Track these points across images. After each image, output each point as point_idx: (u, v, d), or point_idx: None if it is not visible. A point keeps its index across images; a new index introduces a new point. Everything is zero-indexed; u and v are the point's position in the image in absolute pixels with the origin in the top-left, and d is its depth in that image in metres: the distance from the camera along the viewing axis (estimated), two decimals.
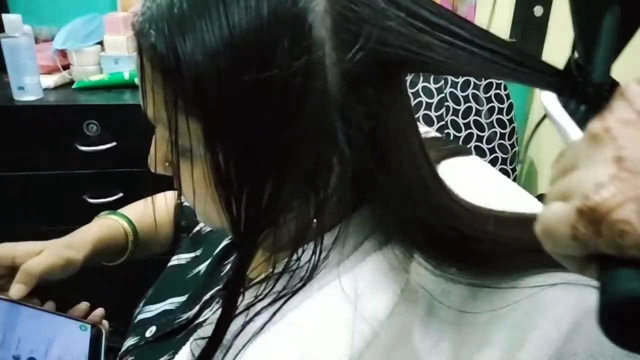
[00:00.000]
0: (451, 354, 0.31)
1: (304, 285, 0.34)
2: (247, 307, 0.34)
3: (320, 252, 0.34)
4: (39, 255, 0.49)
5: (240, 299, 0.35)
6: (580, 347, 0.26)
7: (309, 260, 0.34)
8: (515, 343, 0.28)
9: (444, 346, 0.32)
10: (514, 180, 1.30)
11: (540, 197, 1.38)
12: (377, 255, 0.35)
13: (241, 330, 0.33)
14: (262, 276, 0.36)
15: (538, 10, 1.28)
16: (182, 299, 0.47)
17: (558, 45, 1.30)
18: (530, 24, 1.29)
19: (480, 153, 1.27)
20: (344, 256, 0.35)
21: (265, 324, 0.33)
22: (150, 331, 0.46)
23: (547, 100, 0.27)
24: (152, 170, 0.36)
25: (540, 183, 1.40)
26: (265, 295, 0.34)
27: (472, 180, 0.39)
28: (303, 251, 0.34)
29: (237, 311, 0.34)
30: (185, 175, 0.32)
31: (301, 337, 0.32)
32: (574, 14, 0.27)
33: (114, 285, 0.79)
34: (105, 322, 0.52)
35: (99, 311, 0.53)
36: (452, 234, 0.32)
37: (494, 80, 1.25)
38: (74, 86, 1.11)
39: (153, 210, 0.63)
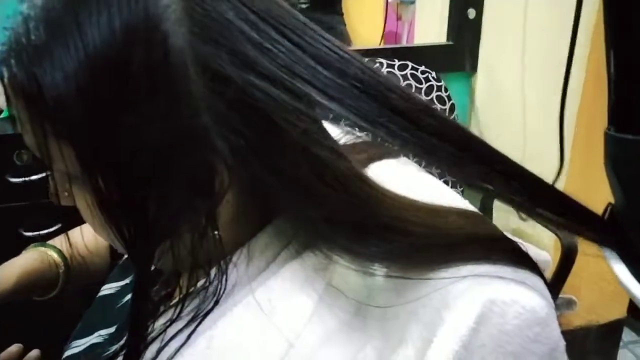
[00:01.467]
0: (375, 357, 0.30)
1: (216, 303, 0.33)
2: (161, 332, 0.32)
3: (227, 269, 0.33)
4: None
5: (156, 323, 0.34)
6: (487, 338, 0.27)
7: (220, 277, 0.33)
8: (426, 340, 0.28)
9: (369, 349, 0.31)
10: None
11: None
12: (293, 264, 0.34)
13: (156, 357, 0.32)
14: (177, 299, 0.35)
15: (471, 13, 1.32)
16: (111, 330, 0.45)
17: (493, 45, 1.34)
18: (464, 27, 1.33)
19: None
20: (260, 269, 0.34)
21: (179, 348, 0.32)
22: None
23: (618, 270, 0.29)
24: (54, 202, 0.35)
25: None
26: (178, 317, 0.32)
27: (399, 179, 0.39)
28: (218, 269, 0.33)
29: (151, 336, 0.33)
30: (77, 201, 0.32)
31: (214, 359, 0.31)
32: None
33: (49, 321, 0.75)
34: None
35: (34, 353, 0.51)
36: (372, 227, 0.31)
37: (434, 83, 1.28)
38: (1, 116, 1.06)
39: (88, 238, 0.61)
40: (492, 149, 0.30)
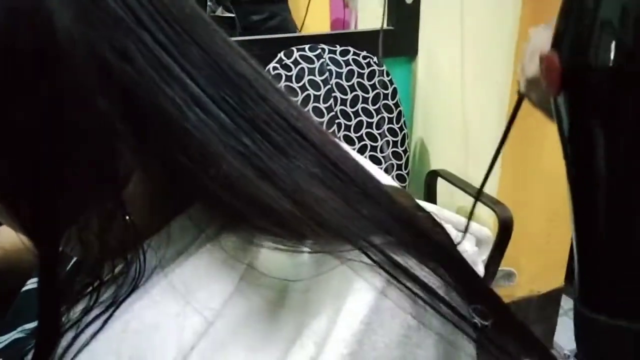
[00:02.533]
0: (291, 336, 0.31)
1: (134, 289, 0.32)
2: (78, 320, 0.32)
3: (143, 254, 0.33)
4: None
5: (73, 310, 0.33)
6: (394, 297, 0.28)
7: (136, 263, 0.32)
8: (336, 309, 0.29)
9: (286, 329, 0.31)
10: (407, 160, 1.36)
11: (432, 173, 1.43)
12: (210, 247, 0.34)
13: (72, 343, 0.31)
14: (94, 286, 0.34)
15: None
16: (34, 324, 0.44)
17: (432, 29, 1.37)
18: (403, 12, 1.35)
19: (372, 138, 1.31)
20: (177, 253, 0.34)
21: (95, 333, 0.31)
22: None
23: None
24: None
25: (432, 160, 1.47)
26: (94, 306, 0.32)
27: None
28: (135, 254, 0.33)
29: (69, 324, 0.32)
30: None
31: (130, 342, 0.31)
32: None
33: None
34: None
35: None
36: (292, 209, 0.31)
37: (376, 68, 1.30)
38: None
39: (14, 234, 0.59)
40: None
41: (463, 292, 0.32)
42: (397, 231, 0.32)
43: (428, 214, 0.38)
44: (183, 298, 0.32)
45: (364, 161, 0.51)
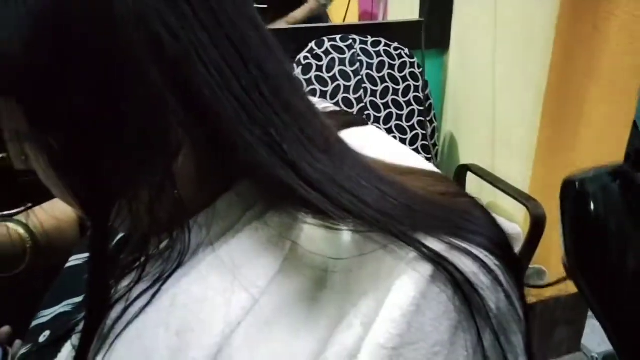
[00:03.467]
0: (335, 317, 0.31)
1: (180, 263, 0.33)
2: (126, 292, 0.33)
3: (189, 229, 0.33)
4: None
5: (121, 284, 0.34)
6: (441, 283, 0.28)
7: (183, 238, 0.33)
8: (384, 289, 0.29)
9: (328, 309, 0.31)
10: (436, 154, 1.35)
11: (462, 168, 1.41)
12: (257, 224, 0.34)
13: (121, 316, 0.32)
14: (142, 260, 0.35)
15: None
16: (79, 299, 0.45)
17: (465, 22, 1.35)
18: (436, 3, 1.34)
19: (402, 131, 1.30)
20: (225, 229, 0.34)
21: (144, 307, 0.32)
22: (44, 336, 0.43)
23: None
24: (16, 167, 0.35)
25: (462, 154, 1.45)
26: (141, 279, 0.33)
27: (368, 145, 0.40)
28: (180, 230, 0.34)
29: (117, 297, 0.33)
30: (34, 162, 0.32)
31: (177, 314, 0.32)
32: None
33: (13, 297, 0.74)
34: (17, 342, 0.50)
35: (5, 329, 0.51)
36: (346, 186, 0.31)
37: (407, 60, 1.29)
38: None
39: (57, 213, 0.60)
40: None
41: (513, 279, 0.31)
42: (441, 216, 0.31)
43: (472, 199, 0.37)
44: (230, 273, 0.32)
45: (403, 148, 0.50)
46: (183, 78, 0.28)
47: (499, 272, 0.30)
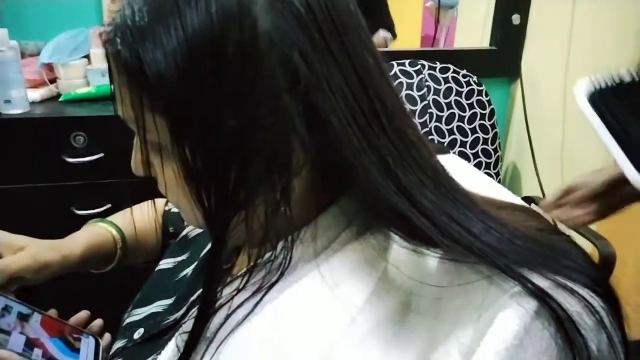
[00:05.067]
0: (426, 341, 0.32)
1: (281, 276, 0.35)
2: (229, 300, 0.35)
3: (293, 244, 0.35)
4: (17, 255, 0.51)
5: (223, 292, 0.36)
6: (545, 320, 0.28)
7: (286, 252, 0.35)
8: (486, 320, 0.30)
9: (418, 333, 0.32)
10: (499, 183, 1.33)
11: (526, 200, 1.39)
12: (355, 245, 0.36)
13: (225, 322, 0.34)
14: (244, 270, 0.37)
15: (516, 19, 1.32)
16: (170, 301, 0.48)
17: (537, 52, 1.33)
18: (508, 32, 1.33)
19: (465, 158, 1.29)
20: (323, 247, 0.36)
21: (247, 315, 0.34)
22: (139, 333, 0.46)
23: (582, 106, 0.30)
24: (136, 173, 0.38)
25: (525, 185, 1.42)
26: (245, 287, 0.35)
27: (457, 173, 0.41)
28: (285, 244, 0.36)
29: (219, 304, 0.35)
30: (160, 172, 0.35)
31: (281, 327, 0.33)
32: None
33: (102, 293, 0.79)
34: (107, 336, 0.53)
35: (99, 322, 0.54)
36: (439, 213, 0.32)
37: (475, 87, 1.28)
38: (61, 99, 1.12)
39: (142, 217, 0.64)
40: None
41: (617, 321, 0.31)
42: (542, 253, 0.32)
43: (568, 237, 0.37)
44: (331, 291, 0.34)
45: (490, 179, 0.51)
46: (312, 104, 0.30)
47: (603, 314, 0.30)
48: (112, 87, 0.34)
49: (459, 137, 1.28)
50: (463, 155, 1.29)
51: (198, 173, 0.31)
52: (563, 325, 0.29)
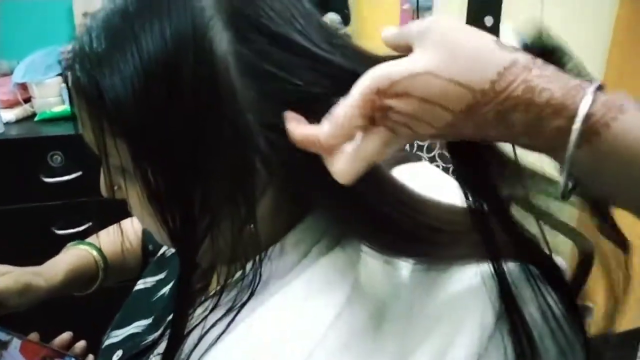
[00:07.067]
0: (399, 351, 0.33)
1: (252, 294, 0.35)
2: (201, 320, 0.35)
3: (262, 262, 0.35)
4: None
5: (195, 312, 0.36)
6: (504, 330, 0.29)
7: (255, 270, 0.35)
8: (454, 330, 0.30)
9: (391, 344, 0.33)
10: None
11: None
12: (325, 259, 0.36)
13: (198, 343, 0.34)
14: (216, 289, 0.37)
15: (488, 21, 1.34)
16: (148, 321, 0.48)
17: None
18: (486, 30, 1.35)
19: (446, 160, 1.31)
20: (293, 263, 0.36)
21: (220, 335, 0.34)
22: (117, 355, 0.46)
23: None
24: (104, 194, 0.38)
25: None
26: (216, 307, 0.35)
27: (425, 181, 0.42)
28: (254, 262, 0.36)
29: (192, 324, 0.35)
30: (125, 194, 0.35)
31: (252, 345, 0.34)
32: None
33: (84, 314, 0.78)
34: (90, 357, 0.53)
35: (81, 343, 0.54)
36: (405, 223, 0.34)
37: None
38: (36, 119, 1.11)
39: (121, 237, 0.64)
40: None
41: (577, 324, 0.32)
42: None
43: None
44: (302, 307, 0.34)
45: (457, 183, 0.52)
46: (272, 121, 0.31)
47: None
48: (73, 110, 0.34)
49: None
50: (443, 157, 1.30)
51: (160, 195, 0.32)
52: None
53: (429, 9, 1.88)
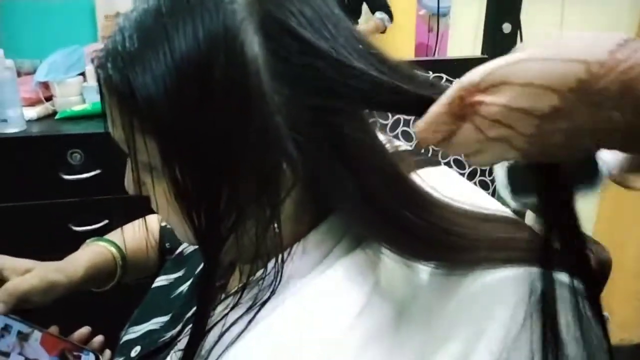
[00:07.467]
0: (418, 354, 0.33)
1: (273, 293, 0.35)
2: (222, 317, 0.35)
3: (284, 261, 0.35)
4: (24, 276, 0.50)
5: (217, 309, 0.37)
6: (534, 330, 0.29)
7: (277, 269, 0.36)
8: (476, 334, 0.30)
9: (410, 346, 0.33)
10: (494, 190, 1.34)
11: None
12: (346, 260, 0.37)
13: (218, 340, 0.35)
14: (238, 287, 0.38)
15: (507, 28, 1.33)
16: (166, 318, 0.48)
17: None
18: (499, 41, 1.34)
19: (460, 165, 1.30)
20: (315, 263, 0.37)
21: (240, 333, 0.35)
22: (135, 351, 0.47)
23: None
24: (129, 191, 0.39)
25: None
26: (237, 305, 0.36)
27: (444, 186, 0.42)
28: (276, 261, 0.36)
29: (213, 321, 0.36)
30: (151, 191, 0.36)
31: (273, 343, 0.34)
32: None
33: (101, 310, 0.79)
34: (107, 352, 0.54)
35: (99, 338, 0.55)
36: (424, 227, 0.34)
37: None
38: (57, 117, 1.12)
39: (139, 234, 0.64)
40: None
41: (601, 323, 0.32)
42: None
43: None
44: (323, 307, 0.35)
45: (482, 193, 0.52)
46: (300, 124, 0.31)
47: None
48: (105, 109, 0.35)
49: None
50: (458, 162, 1.30)
51: (188, 193, 0.32)
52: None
53: (445, 14, 1.87)
